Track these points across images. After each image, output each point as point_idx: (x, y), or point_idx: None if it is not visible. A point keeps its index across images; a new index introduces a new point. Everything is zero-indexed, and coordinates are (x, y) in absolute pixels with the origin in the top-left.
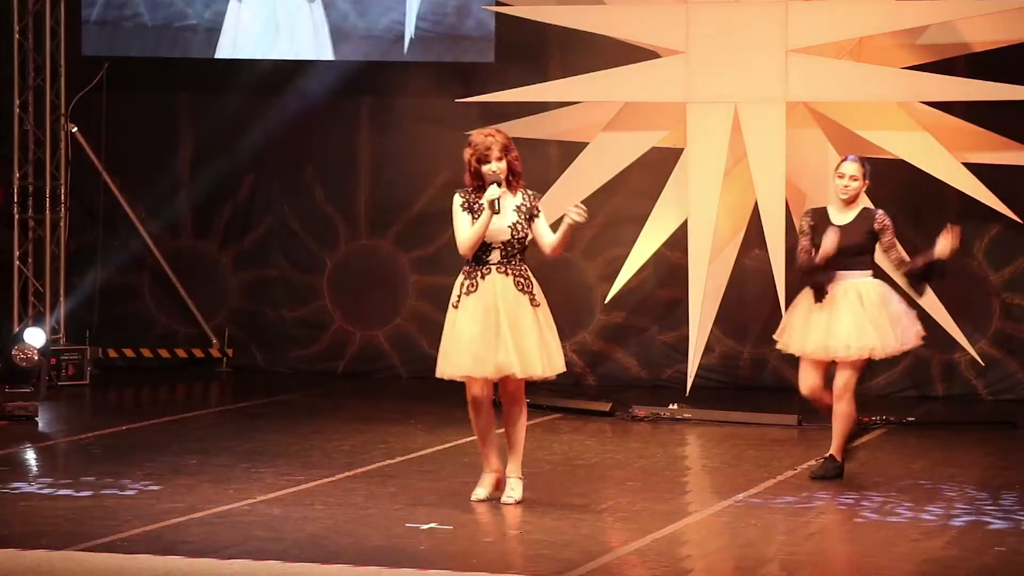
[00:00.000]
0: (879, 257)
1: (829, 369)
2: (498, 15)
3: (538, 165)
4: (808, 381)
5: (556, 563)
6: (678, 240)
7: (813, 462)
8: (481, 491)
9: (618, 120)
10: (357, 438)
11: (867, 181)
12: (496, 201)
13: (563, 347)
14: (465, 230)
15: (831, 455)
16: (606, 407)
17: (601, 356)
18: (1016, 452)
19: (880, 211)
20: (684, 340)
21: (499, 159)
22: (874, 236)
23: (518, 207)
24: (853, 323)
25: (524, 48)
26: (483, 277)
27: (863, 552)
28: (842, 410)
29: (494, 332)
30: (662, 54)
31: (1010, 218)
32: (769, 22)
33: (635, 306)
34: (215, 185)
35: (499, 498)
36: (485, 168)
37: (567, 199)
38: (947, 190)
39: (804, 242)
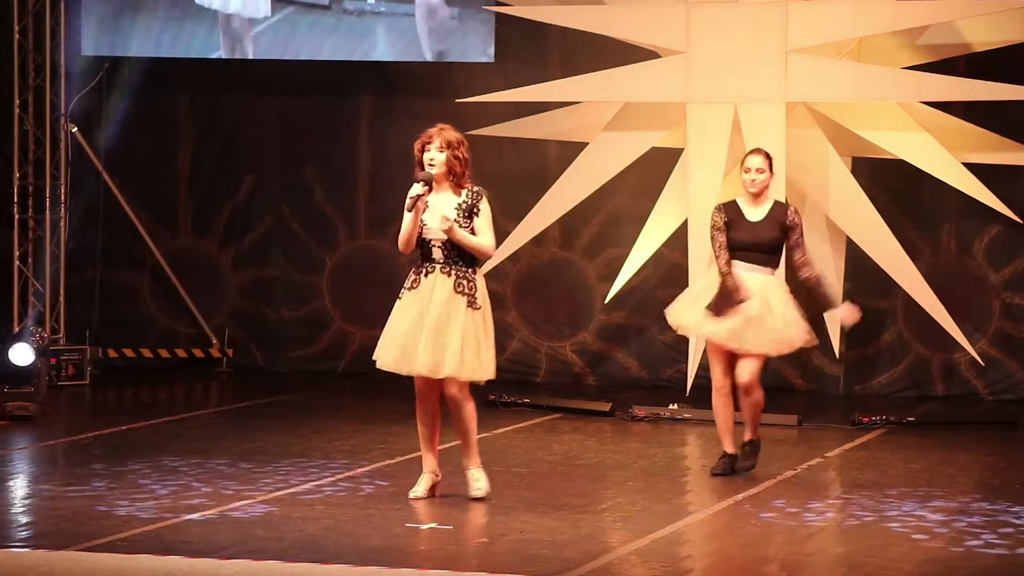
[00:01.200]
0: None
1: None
2: (498, 15)
3: (539, 165)
4: (723, 372)
5: (556, 563)
6: (678, 240)
7: (813, 462)
8: (418, 489)
9: (618, 120)
10: (357, 438)
11: (773, 173)
12: (418, 199)
13: (563, 347)
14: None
15: (752, 439)
16: (606, 407)
17: (601, 356)
18: (1016, 452)
19: (792, 207)
20: (684, 340)
21: (439, 150)
22: (785, 231)
23: (458, 205)
24: (759, 319)
25: (524, 48)
26: (426, 275)
27: (863, 552)
28: (755, 399)
29: (420, 330)
30: (662, 54)
31: (1010, 218)
32: (769, 22)
33: (635, 306)
34: (215, 185)
35: (437, 497)
36: (425, 156)
37: (567, 199)
38: (947, 190)
39: (720, 238)
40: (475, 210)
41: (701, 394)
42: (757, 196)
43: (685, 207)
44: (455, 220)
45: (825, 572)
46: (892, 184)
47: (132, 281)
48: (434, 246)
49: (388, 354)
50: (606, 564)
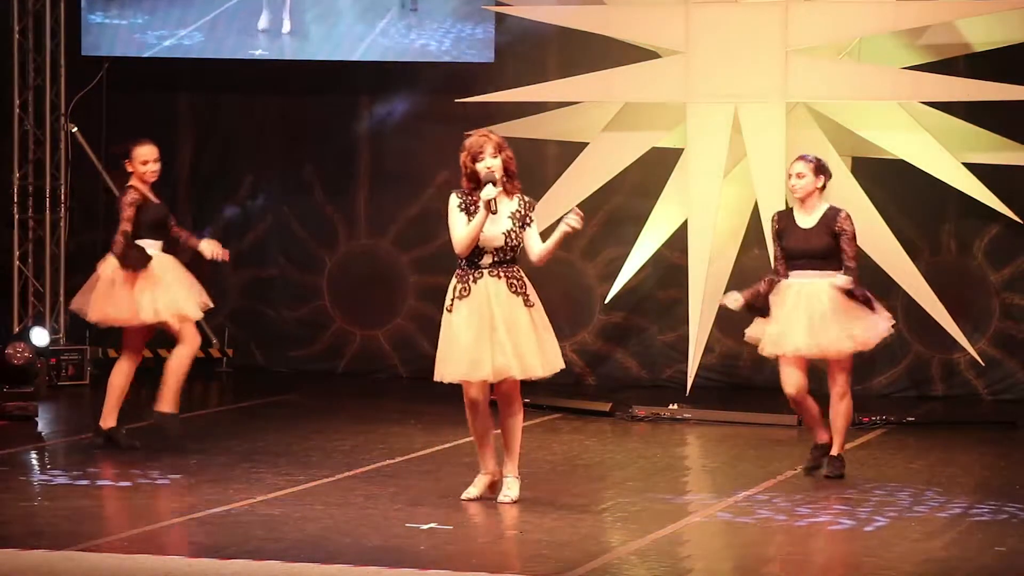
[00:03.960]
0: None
1: (809, 369)
2: (498, 15)
3: (538, 165)
4: (795, 380)
5: (556, 563)
6: (678, 240)
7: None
8: (473, 490)
9: (618, 120)
10: (357, 438)
11: (820, 176)
12: (493, 201)
13: (563, 347)
14: (461, 229)
15: (839, 454)
16: (606, 407)
17: (601, 356)
18: (1016, 452)
19: (844, 212)
20: (684, 340)
21: (493, 156)
22: (835, 236)
23: (513, 213)
24: (834, 321)
25: (524, 48)
26: (475, 281)
27: (863, 552)
28: (844, 408)
29: (489, 335)
30: (662, 54)
31: (1010, 218)
32: (769, 22)
33: (635, 306)
34: (215, 185)
35: (492, 499)
36: (479, 165)
37: (567, 199)
38: (947, 190)
39: (775, 248)
40: (528, 220)
41: (701, 394)
42: (803, 202)
43: (685, 207)
44: (511, 228)
45: (825, 572)
46: (892, 184)
47: None
48: (487, 252)
49: (457, 367)
50: (606, 564)
